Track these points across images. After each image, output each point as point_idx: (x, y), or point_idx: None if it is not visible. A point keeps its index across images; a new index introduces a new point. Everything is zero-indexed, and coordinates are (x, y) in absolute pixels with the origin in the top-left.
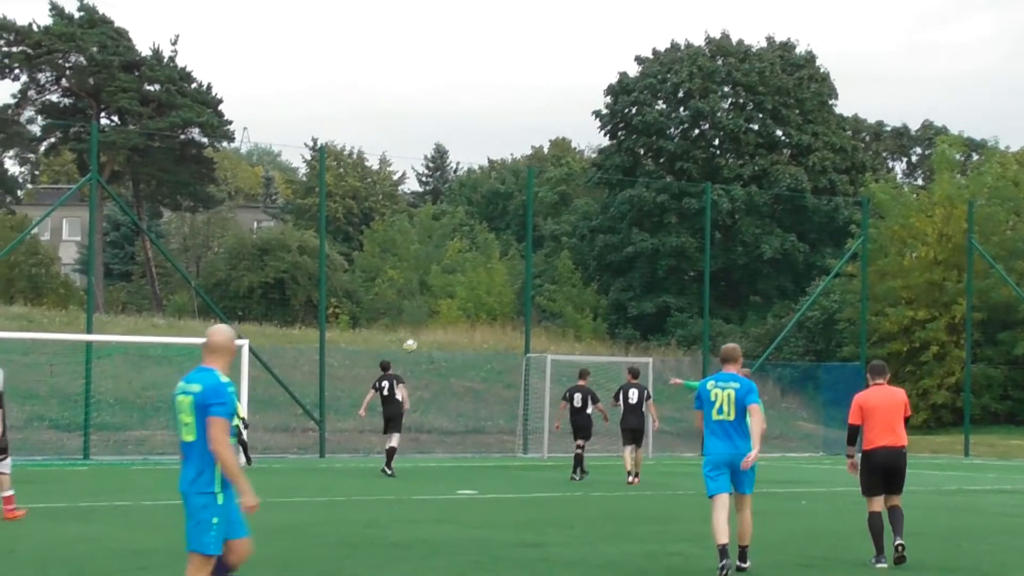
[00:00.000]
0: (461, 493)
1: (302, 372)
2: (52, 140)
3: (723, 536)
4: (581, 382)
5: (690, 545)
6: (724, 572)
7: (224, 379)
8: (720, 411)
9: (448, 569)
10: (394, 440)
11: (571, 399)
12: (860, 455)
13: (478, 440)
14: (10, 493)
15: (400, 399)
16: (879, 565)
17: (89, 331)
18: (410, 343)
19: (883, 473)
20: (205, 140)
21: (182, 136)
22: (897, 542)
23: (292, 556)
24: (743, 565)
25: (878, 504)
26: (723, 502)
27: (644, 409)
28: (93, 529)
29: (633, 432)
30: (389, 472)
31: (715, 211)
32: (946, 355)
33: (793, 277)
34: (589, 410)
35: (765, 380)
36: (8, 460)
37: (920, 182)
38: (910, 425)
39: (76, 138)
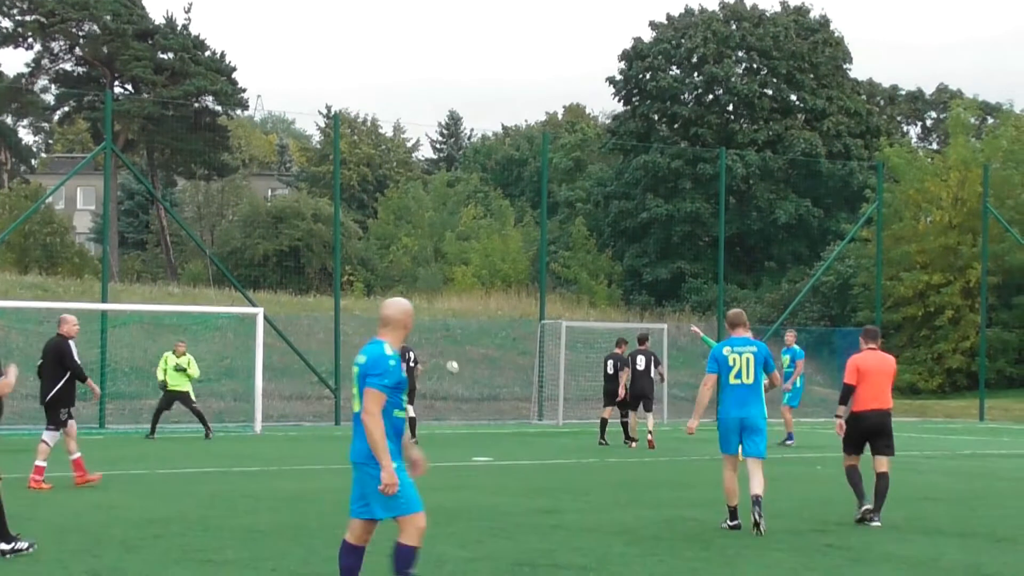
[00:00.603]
0: (476, 460)
1: (317, 340)
2: (66, 109)
3: (733, 497)
4: (618, 350)
5: (706, 511)
6: (732, 527)
7: (389, 351)
8: (738, 375)
9: (464, 535)
10: (411, 411)
11: (634, 362)
12: (849, 416)
13: (493, 407)
14: (42, 464)
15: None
16: (864, 507)
17: (104, 300)
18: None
19: (869, 434)
20: (219, 108)
21: (196, 104)
22: (865, 507)
23: (308, 524)
24: (759, 519)
25: (855, 459)
26: (735, 464)
27: (653, 375)
28: (109, 498)
29: (642, 398)
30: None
31: (730, 176)
32: (961, 319)
33: (808, 242)
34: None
35: (780, 345)
36: (55, 433)
37: (935, 146)
38: (925, 389)
39: (90, 107)
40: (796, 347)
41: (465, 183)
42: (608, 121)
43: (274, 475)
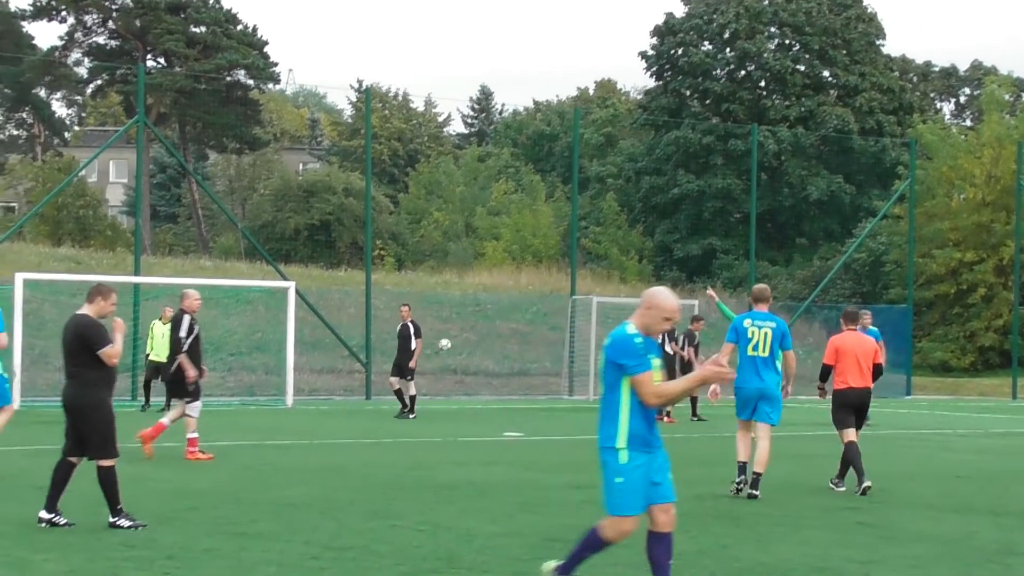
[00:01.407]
0: (507, 435)
1: (348, 314)
2: (99, 82)
3: (743, 455)
4: (693, 327)
5: None
6: (738, 486)
7: (631, 330)
8: (756, 348)
9: (495, 511)
10: (412, 388)
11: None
12: (832, 393)
13: (524, 382)
14: (194, 435)
15: (413, 348)
16: (865, 484)
17: (136, 273)
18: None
19: (853, 410)
20: (251, 82)
21: (228, 78)
22: (869, 484)
23: (339, 497)
24: (754, 492)
25: (851, 435)
26: (748, 428)
27: (669, 350)
28: (143, 470)
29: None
30: (413, 415)
31: (761, 153)
32: (994, 297)
33: (839, 219)
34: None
35: (811, 322)
36: (197, 404)
37: (968, 123)
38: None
39: (123, 80)
40: (874, 328)
41: (496, 158)
42: (640, 96)
43: (306, 449)
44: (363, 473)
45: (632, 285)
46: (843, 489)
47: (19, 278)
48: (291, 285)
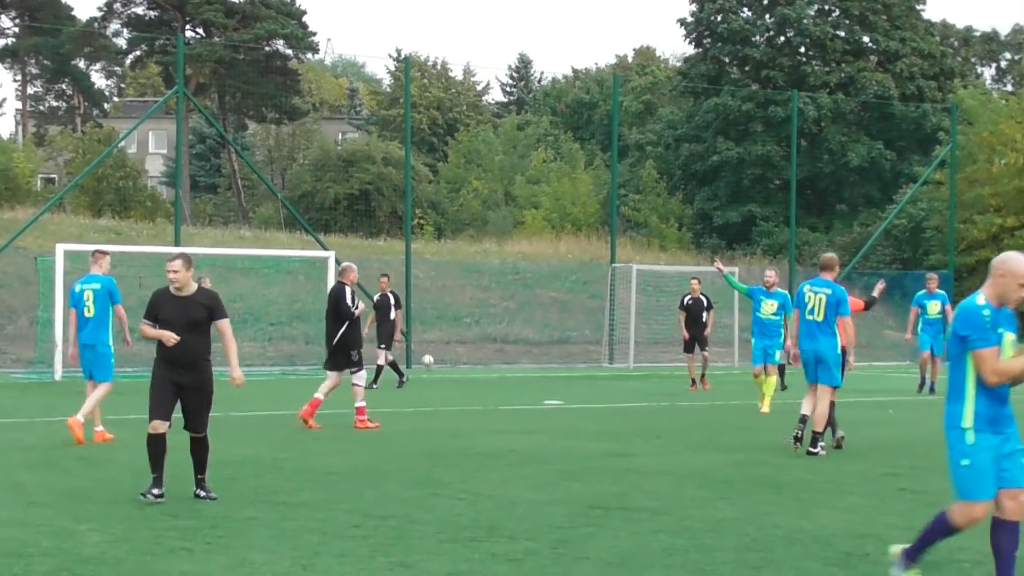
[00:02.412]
0: (548, 403)
1: None
2: (138, 53)
3: (806, 408)
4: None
5: (777, 455)
6: (796, 435)
7: (980, 301)
8: (811, 312)
9: (536, 478)
10: (388, 356)
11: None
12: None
13: (564, 350)
14: (362, 404)
15: (393, 318)
16: (839, 435)
17: (176, 243)
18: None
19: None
20: (289, 52)
21: (267, 48)
22: (842, 434)
23: (380, 466)
24: (812, 449)
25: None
26: (813, 389)
27: (704, 319)
28: (183, 440)
29: (696, 340)
30: (376, 386)
31: (801, 119)
32: None
33: (880, 185)
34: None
35: (852, 289)
36: (362, 373)
37: (1009, 88)
38: None
39: (162, 51)
40: (941, 292)
41: (535, 126)
42: (679, 64)
43: (347, 418)
44: (404, 442)
45: (672, 253)
46: (842, 434)
47: (60, 249)
48: (331, 255)
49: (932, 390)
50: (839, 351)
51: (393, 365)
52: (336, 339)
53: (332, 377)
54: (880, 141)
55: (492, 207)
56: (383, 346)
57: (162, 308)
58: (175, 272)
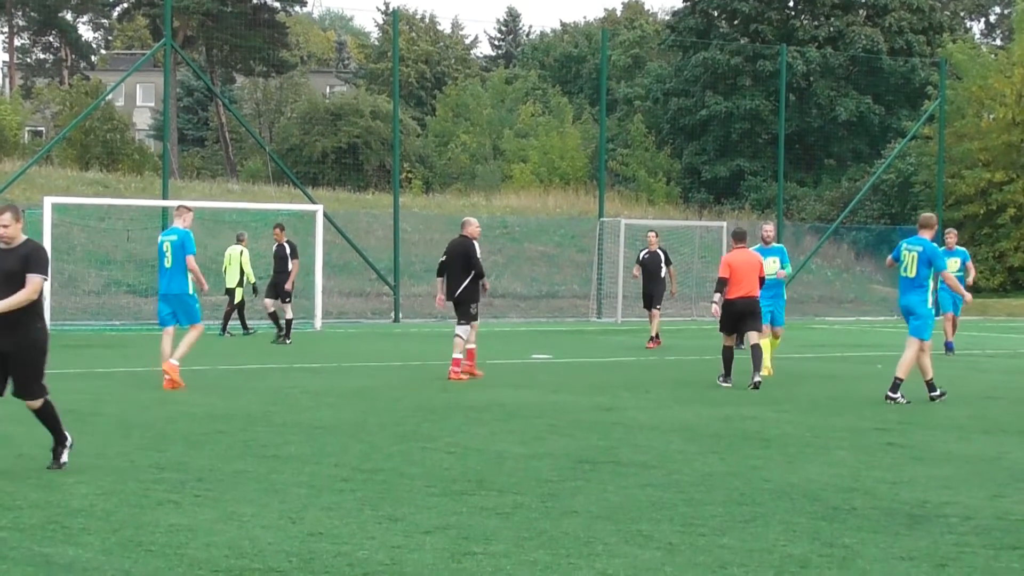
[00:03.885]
0: (536, 357)
1: (376, 237)
2: (125, 5)
3: (927, 373)
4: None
5: (765, 409)
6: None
7: None
8: (905, 269)
9: (524, 432)
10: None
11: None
12: (724, 303)
13: (552, 304)
14: (459, 356)
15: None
16: (725, 384)
17: (164, 197)
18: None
19: (740, 316)
20: (277, 5)
21: (254, 1)
22: (755, 380)
23: (369, 420)
24: (892, 395)
25: (730, 340)
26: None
27: (663, 274)
28: (172, 394)
29: (652, 296)
30: (289, 341)
31: (790, 73)
32: (1023, 217)
33: (868, 140)
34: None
35: (839, 244)
36: (466, 327)
37: (999, 42)
38: (986, 288)
39: (149, 3)
40: (961, 248)
41: (523, 80)
42: (667, 17)
43: (335, 372)
44: (392, 396)
45: (660, 207)
46: (729, 385)
47: (47, 202)
48: (319, 208)
49: (950, 348)
50: (929, 306)
51: (273, 316)
52: (459, 291)
53: (471, 329)
54: (869, 96)
55: (480, 161)
56: (286, 300)
57: None
58: (4, 227)
